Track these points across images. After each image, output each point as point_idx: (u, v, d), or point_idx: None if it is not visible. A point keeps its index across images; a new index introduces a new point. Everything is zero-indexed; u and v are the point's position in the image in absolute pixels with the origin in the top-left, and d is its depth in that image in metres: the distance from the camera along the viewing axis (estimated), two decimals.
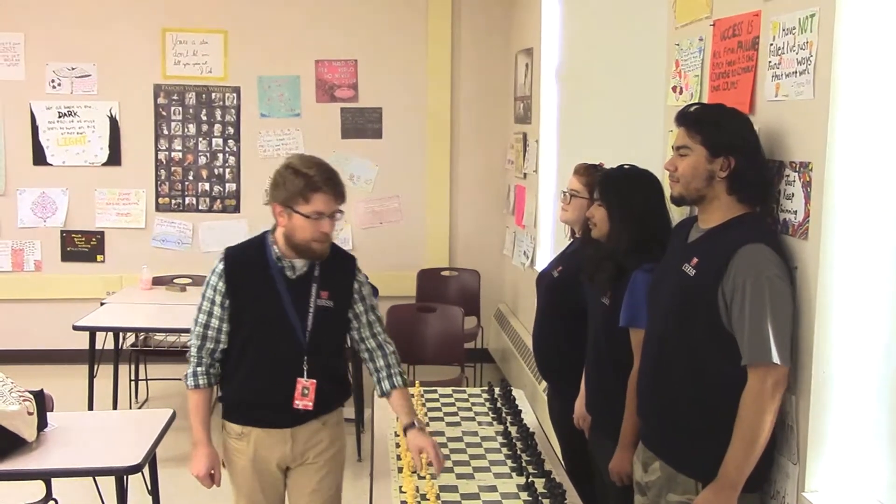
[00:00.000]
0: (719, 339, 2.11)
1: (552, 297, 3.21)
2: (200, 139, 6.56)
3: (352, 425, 4.72)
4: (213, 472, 2.68)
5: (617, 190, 2.71)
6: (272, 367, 2.63)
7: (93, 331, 4.87)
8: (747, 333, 2.05)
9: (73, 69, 6.40)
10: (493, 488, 2.61)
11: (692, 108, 2.27)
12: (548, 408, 3.44)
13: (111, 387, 5.06)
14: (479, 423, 3.16)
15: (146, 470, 2.96)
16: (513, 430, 3.05)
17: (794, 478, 2.13)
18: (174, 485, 3.90)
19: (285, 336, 2.61)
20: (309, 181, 2.50)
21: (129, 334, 5.37)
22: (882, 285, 2.05)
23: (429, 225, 6.69)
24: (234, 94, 6.52)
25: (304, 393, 2.63)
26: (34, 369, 5.91)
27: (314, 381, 2.63)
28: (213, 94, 6.52)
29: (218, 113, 6.54)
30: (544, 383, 4.15)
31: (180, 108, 6.52)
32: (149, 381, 5.75)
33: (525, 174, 5.86)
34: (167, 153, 6.55)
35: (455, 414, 3.26)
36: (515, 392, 3.47)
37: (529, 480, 2.60)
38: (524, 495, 2.54)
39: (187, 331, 5.13)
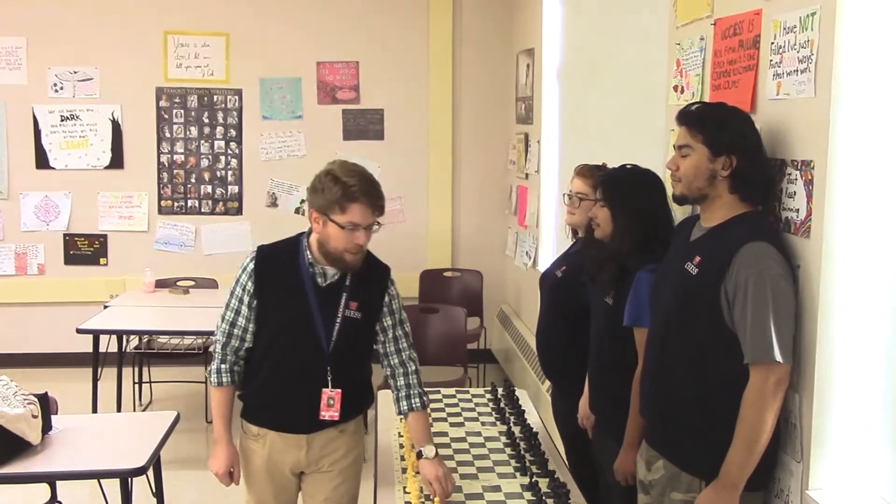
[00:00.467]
0: (722, 337, 2.11)
1: (556, 297, 3.21)
2: (202, 142, 6.57)
3: None
4: (231, 469, 2.65)
5: (620, 190, 2.71)
6: (294, 373, 2.58)
7: (96, 334, 4.88)
8: (749, 331, 2.05)
9: (75, 73, 6.41)
10: (497, 488, 2.61)
11: (694, 108, 2.27)
12: (552, 408, 3.44)
13: (115, 389, 5.08)
14: (483, 424, 3.16)
15: (150, 472, 2.97)
16: (516, 430, 3.05)
17: (798, 476, 2.13)
18: (179, 487, 3.91)
19: (309, 343, 2.55)
20: (347, 190, 2.42)
21: (132, 337, 5.38)
22: (885, 283, 2.05)
23: (431, 226, 6.70)
24: (236, 97, 6.53)
25: (330, 403, 2.58)
26: (38, 372, 5.93)
27: (339, 391, 2.58)
28: (215, 97, 6.53)
29: (220, 115, 6.55)
30: (547, 383, 4.15)
31: (182, 111, 6.53)
32: (152, 384, 5.76)
33: (527, 174, 5.86)
34: (169, 156, 6.56)
35: (458, 414, 3.27)
36: (518, 392, 3.47)
37: (533, 480, 2.60)
38: (528, 495, 2.55)
39: (191, 333, 5.26)
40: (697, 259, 2.19)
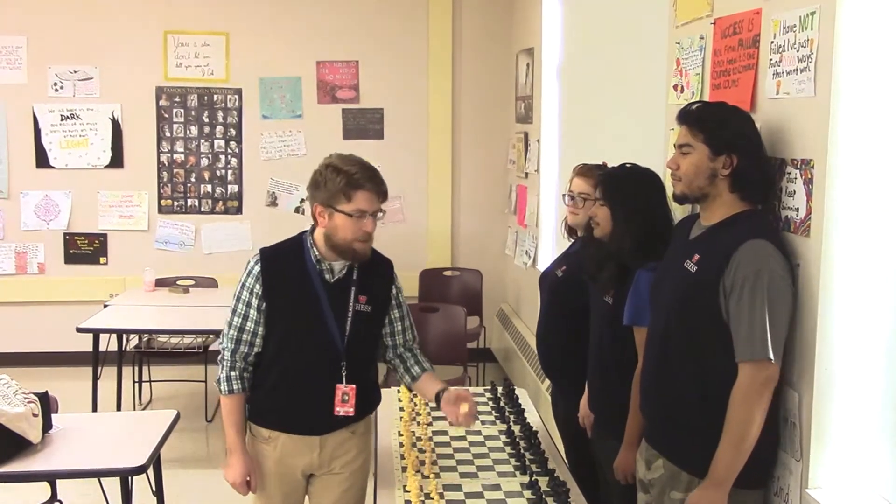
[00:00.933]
0: (721, 335, 2.11)
1: (556, 296, 3.21)
2: (202, 141, 6.57)
3: None
4: (249, 478, 2.60)
5: (620, 189, 2.71)
6: (308, 372, 2.55)
7: (96, 333, 4.89)
8: (743, 329, 2.05)
9: (75, 72, 6.41)
10: (497, 487, 2.61)
11: (694, 107, 2.27)
12: (552, 406, 3.44)
13: (115, 388, 5.08)
14: (483, 423, 3.16)
15: (151, 471, 2.97)
16: (516, 428, 3.05)
17: (798, 474, 2.13)
18: (179, 486, 3.91)
19: (322, 341, 2.53)
20: (351, 179, 2.44)
21: (132, 336, 5.38)
22: (884, 282, 2.05)
23: (431, 225, 6.70)
24: (236, 96, 6.53)
25: (345, 399, 2.55)
26: (38, 371, 5.93)
27: (354, 386, 2.56)
28: (215, 96, 6.53)
29: (220, 115, 6.55)
30: (547, 382, 4.16)
31: (182, 110, 6.53)
32: (152, 383, 5.77)
33: (526, 174, 5.87)
34: (169, 155, 6.56)
35: None
36: (518, 391, 3.47)
37: (533, 479, 2.60)
38: (528, 494, 2.55)
39: (191, 332, 5.26)
40: (697, 257, 2.19)
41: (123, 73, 6.42)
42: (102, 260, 6.56)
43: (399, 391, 3.38)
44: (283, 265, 2.55)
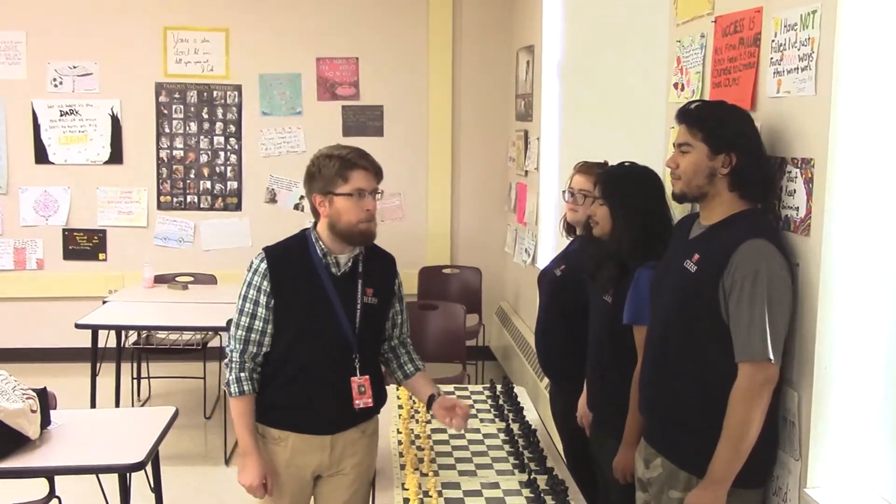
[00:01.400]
0: (721, 335, 2.11)
1: (555, 295, 3.21)
2: (202, 137, 6.56)
3: None
4: (265, 481, 2.54)
5: (619, 188, 2.71)
6: (319, 368, 2.53)
7: (95, 329, 4.88)
8: (743, 329, 2.05)
9: (74, 68, 6.40)
10: (496, 485, 2.61)
11: (693, 105, 2.26)
12: (550, 405, 3.44)
13: (113, 385, 5.09)
14: (482, 421, 3.17)
15: (149, 468, 2.96)
16: (515, 427, 3.06)
17: (796, 474, 2.13)
18: (177, 482, 3.91)
19: (334, 335, 2.52)
20: (344, 160, 2.48)
21: (131, 332, 5.38)
22: (884, 281, 2.05)
23: (430, 222, 6.70)
24: (236, 93, 6.52)
25: (362, 391, 2.54)
26: (37, 367, 5.93)
27: (367, 376, 2.56)
28: (215, 93, 6.52)
29: (219, 111, 6.55)
30: (546, 380, 4.15)
31: (182, 107, 6.52)
32: (151, 379, 5.76)
33: (526, 171, 5.86)
34: (169, 151, 6.55)
35: None
36: (517, 389, 3.47)
37: (532, 477, 2.60)
38: (526, 492, 2.55)
39: (189, 329, 5.25)
40: (696, 257, 2.19)
41: (123, 69, 6.41)
42: (101, 256, 6.56)
43: (398, 389, 3.38)
44: (289, 261, 2.54)
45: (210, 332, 5.33)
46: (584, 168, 3.09)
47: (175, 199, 6.58)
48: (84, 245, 6.54)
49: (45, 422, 2.98)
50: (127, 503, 2.93)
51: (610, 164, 2.99)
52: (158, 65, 6.45)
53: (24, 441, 2.85)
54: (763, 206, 2.25)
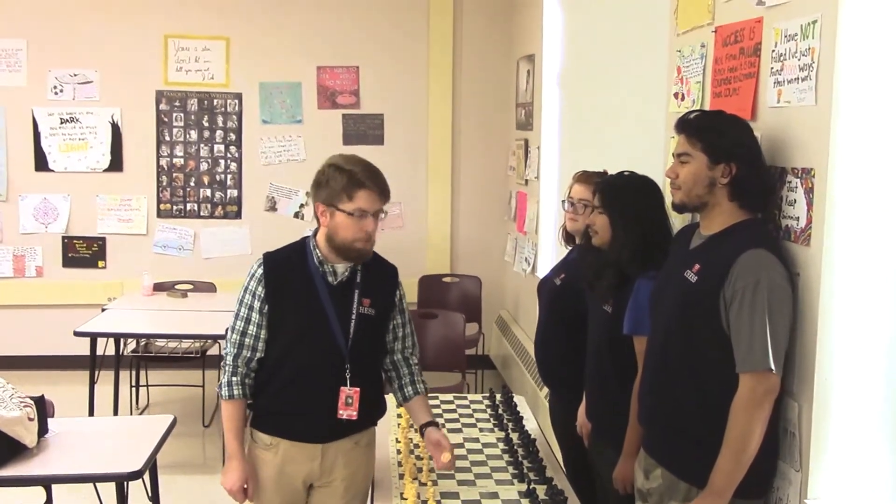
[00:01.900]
0: (722, 345, 2.10)
1: (554, 304, 3.21)
2: (202, 145, 6.57)
3: None
4: (246, 486, 2.55)
5: (618, 197, 2.71)
6: (311, 376, 2.52)
7: (94, 337, 4.87)
8: (744, 340, 2.04)
9: (75, 75, 6.41)
10: (495, 495, 2.60)
11: (692, 115, 2.27)
12: (550, 414, 3.43)
13: (112, 393, 5.07)
14: (481, 430, 3.16)
15: (147, 476, 2.96)
16: (514, 436, 3.05)
17: (797, 485, 2.12)
18: (175, 491, 3.90)
19: (326, 343, 2.51)
20: (352, 178, 2.45)
21: (129, 340, 5.37)
22: (885, 292, 2.05)
23: (430, 231, 6.69)
24: (236, 101, 6.53)
25: (348, 402, 2.52)
26: (35, 375, 5.92)
27: (358, 389, 2.53)
28: (215, 101, 6.53)
29: (219, 119, 6.55)
30: (545, 390, 4.14)
31: (182, 115, 6.53)
32: (149, 388, 5.75)
33: (526, 180, 5.86)
34: (169, 159, 6.55)
35: (456, 420, 3.26)
36: (517, 398, 3.46)
37: (531, 487, 2.59)
38: (525, 502, 2.54)
39: (188, 337, 5.24)
40: (697, 267, 2.19)
41: (123, 77, 6.42)
42: (101, 264, 6.55)
43: None
44: (286, 268, 2.54)
45: (209, 341, 5.32)
46: (584, 177, 3.09)
47: (175, 207, 6.58)
48: (83, 252, 6.53)
49: (43, 430, 2.97)
50: None
51: (609, 173, 3.00)
52: (159, 73, 6.46)
53: (22, 449, 2.84)
54: (763, 215, 2.25)
